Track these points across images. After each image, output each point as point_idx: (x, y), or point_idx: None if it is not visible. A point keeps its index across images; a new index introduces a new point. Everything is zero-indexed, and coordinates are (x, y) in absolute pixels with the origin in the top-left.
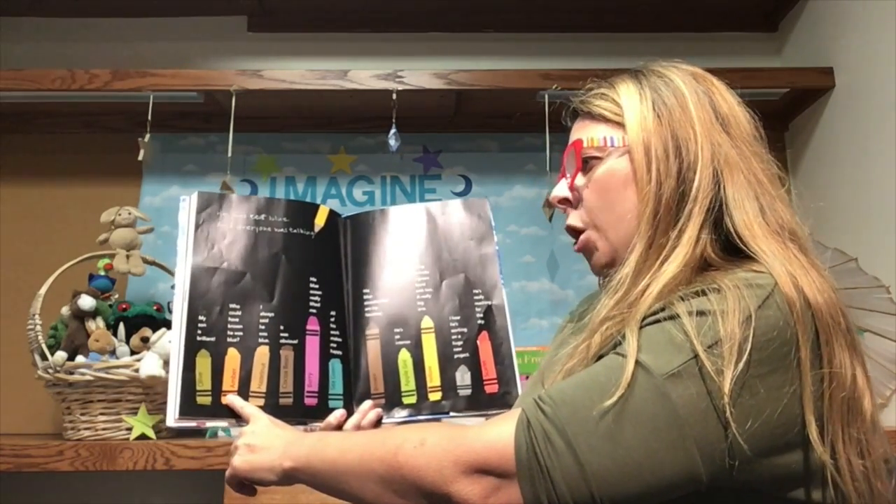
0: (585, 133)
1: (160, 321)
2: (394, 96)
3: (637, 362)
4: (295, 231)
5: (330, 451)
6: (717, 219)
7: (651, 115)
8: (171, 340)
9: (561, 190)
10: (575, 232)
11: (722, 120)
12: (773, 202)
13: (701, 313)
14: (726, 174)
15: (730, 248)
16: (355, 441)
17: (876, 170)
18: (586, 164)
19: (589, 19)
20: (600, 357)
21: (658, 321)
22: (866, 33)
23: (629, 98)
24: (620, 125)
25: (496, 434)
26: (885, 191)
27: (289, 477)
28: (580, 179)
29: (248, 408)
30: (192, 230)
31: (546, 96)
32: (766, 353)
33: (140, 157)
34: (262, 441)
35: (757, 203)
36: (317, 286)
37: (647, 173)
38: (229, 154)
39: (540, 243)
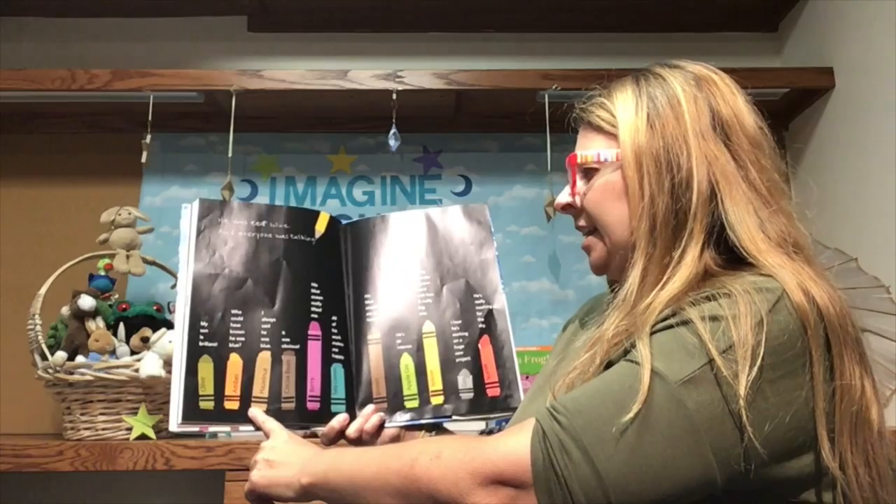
0: (582, 146)
1: (160, 321)
2: (394, 96)
3: (651, 370)
4: (296, 237)
5: (347, 465)
6: (718, 233)
7: (644, 127)
8: (175, 346)
9: (563, 197)
10: (584, 229)
11: (722, 127)
12: (773, 214)
13: (714, 318)
14: (724, 189)
15: (735, 260)
16: (372, 455)
17: (876, 170)
18: (587, 173)
19: (589, 19)
20: (609, 364)
21: (670, 326)
22: (866, 33)
23: (624, 110)
24: (616, 137)
25: (512, 445)
26: (885, 191)
27: (307, 493)
28: (581, 187)
29: (270, 422)
30: (193, 237)
31: (546, 96)
32: (778, 357)
33: (143, 159)
34: (280, 457)
35: (756, 217)
36: (318, 292)
37: (640, 189)
38: (230, 154)
39: (540, 243)
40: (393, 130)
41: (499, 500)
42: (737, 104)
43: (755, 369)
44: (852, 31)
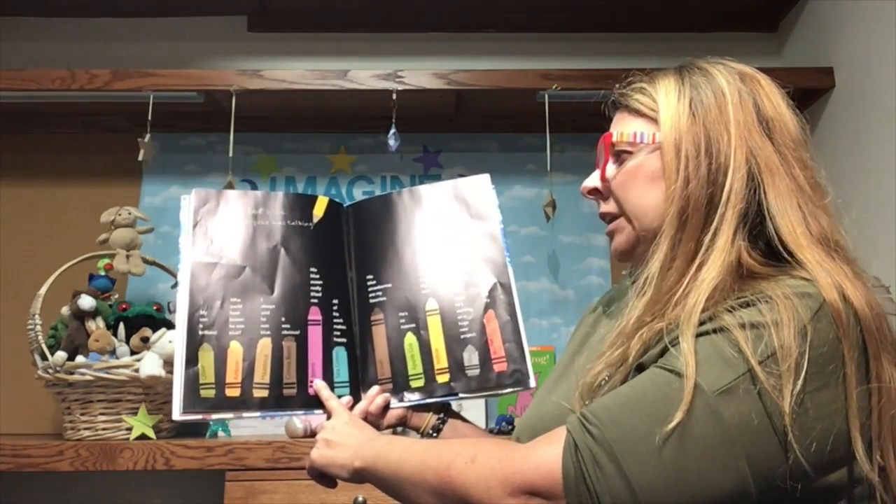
0: (619, 127)
1: (160, 321)
2: (394, 96)
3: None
4: (293, 223)
5: (393, 456)
6: (755, 224)
7: (686, 113)
8: (175, 335)
9: (591, 181)
10: (607, 217)
11: (766, 123)
12: (815, 210)
13: (754, 326)
14: (767, 179)
15: (770, 255)
16: (415, 449)
17: (876, 170)
18: (619, 157)
19: (589, 19)
20: (640, 366)
21: (706, 333)
22: (866, 33)
23: (667, 95)
24: (655, 121)
25: (544, 457)
26: (885, 190)
27: (359, 476)
28: (611, 171)
29: (332, 401)
30: (190, 227)
31: (546, 96)
32: (819, 368)
33: (140, 158)
34: (338, 437)
35: (800, 211)
36: (317, 276)
37: (676, 171)
38: (230, 154)
39: (540, 243)
40: (393, 130)
41: None
42: (779, 104)
43: (799, 382)
44: (852, 31)
